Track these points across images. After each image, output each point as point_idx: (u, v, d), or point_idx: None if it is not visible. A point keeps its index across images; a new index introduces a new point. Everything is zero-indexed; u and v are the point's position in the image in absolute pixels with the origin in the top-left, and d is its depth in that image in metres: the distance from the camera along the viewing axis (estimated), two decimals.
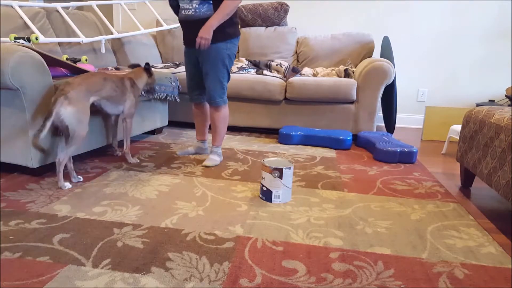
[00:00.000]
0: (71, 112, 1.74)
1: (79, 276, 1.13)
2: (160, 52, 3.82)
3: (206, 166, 2.23)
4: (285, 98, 3.08)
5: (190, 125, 3.40)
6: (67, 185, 1.82)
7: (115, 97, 2.04)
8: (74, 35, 2.89)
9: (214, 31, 1.99)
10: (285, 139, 2.85)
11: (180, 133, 3.11)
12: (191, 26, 2.05)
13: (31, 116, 1.83)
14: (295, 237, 1.42)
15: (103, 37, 2.97)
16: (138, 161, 2.28)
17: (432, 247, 1.39)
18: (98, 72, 2.02)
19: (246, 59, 3.49)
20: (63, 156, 1.80)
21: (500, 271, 1.25)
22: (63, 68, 2.33)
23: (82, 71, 2.36)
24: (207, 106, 2.34)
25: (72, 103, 1.74)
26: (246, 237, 1.41)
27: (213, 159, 2.27)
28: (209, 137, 2.95)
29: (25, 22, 2.52)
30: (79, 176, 1.95)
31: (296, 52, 3.66)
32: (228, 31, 2.05)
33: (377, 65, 2.88)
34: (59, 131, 1.94)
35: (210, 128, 3.18)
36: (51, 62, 2.10)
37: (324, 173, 2.20)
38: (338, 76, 3.18)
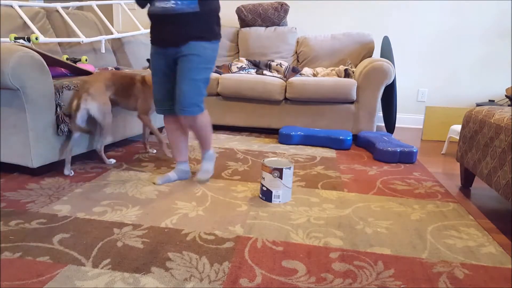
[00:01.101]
0: (96, 106, 2.00)
1: (79, 276, 1.13)
2: None
3: (200, 182, 1.97)
4: (285, 98, 3.08)
5: None
6: (112, 160, 2.21)
7: (123, 91, 2.20)
8: (74, 35, 2.89)
9: (202, 29, 1.71)
10: (285, 139, 2.85)
11: None
12: (169, 21, 1.70)
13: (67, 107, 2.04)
14: (295, 237, 1.42)
15: (103, 37, 2.96)
16: (155, 151, 2.50)
17: (432, 247, 1.39)
18: (107, 70, 2.21)
19: (246, 59, 3.49)
20: (100, 145, 2.13)
21: (500, 271, 1.25)
22: (63, 68, 2.33)
23: (82, 71, 2.36)
24: None
25: (94, 98, 2.00)
26: (246, 237, 1.41)
27: (206, 169, 2.00)
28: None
29: (25, 22, 2.52)
30: (71, 170, 2.04)
31: (296, 52, 3.66)
32: (215, 31, 1.76)
33: (377, 65, 2.88)
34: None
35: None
36: (51, 62, 2.10)
37: (324, 173, 2.20)
38: (338, 76, 3.18)
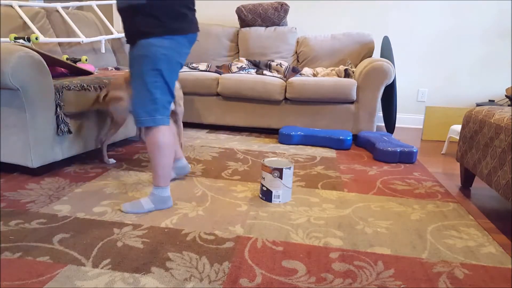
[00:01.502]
0: (112, 101, 2.08)
1: (79, 276, 1.13)
2: None
3: (121, 209, 1.62)
4: (285, 98, 3.08)
5: (189, 125, 3.40)
6: (112, 160, 2.23)
7: None
8: (74, 35, 2.89)
9: (149, 23, 1.46)
10: (285, 139, 2.85)
11: None
12: (123, 16, 1.52)
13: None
14: (295, 237, 1.42)
15: (103, 37, 2.97)
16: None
17: (432, 247, 1.39)
18: (107, 70, 2.25)
19: (246, 59, 3.49)
20: (104, 138, 2.20)
21: (500, 271, 1.26)
22: (63, 68, 2.33)
23: (82, 71, 2.37)
24: (174, 117, 1.81)
25: (112, 93, 2.07)
26: (246, 237, 1.41)
27: (137, 204, 1.61)
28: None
29: (25, 22, 2.52)
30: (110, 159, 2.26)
31: (296, 52, 3.66)
32: (168, 24, 1.47)
33: (377, 65, 2.88)
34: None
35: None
36: (51, 62, 2.10)
37: (324, 173, 2.20)
38: (338, 76, 3.18)
